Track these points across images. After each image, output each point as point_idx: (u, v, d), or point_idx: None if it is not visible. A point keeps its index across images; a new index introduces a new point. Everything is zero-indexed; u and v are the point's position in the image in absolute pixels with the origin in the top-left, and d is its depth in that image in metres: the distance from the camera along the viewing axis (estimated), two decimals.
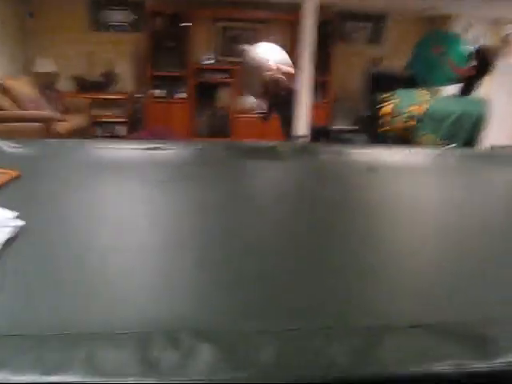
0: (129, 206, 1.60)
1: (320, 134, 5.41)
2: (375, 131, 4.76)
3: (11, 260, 1.10)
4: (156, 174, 1.96)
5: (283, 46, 4.36)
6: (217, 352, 0.74)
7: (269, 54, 4.15)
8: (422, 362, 0.74)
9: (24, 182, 1.72)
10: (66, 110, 5.76)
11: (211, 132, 6.75)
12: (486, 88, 5.30)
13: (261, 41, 4.55)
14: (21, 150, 2.10)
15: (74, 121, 5.49)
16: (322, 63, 6.51)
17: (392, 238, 1.49)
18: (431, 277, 1.16)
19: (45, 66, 6.24)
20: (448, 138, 4.43)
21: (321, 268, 1.18)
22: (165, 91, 6.58)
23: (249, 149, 2.33)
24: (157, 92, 6.54)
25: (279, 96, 4.25)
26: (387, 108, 4.57)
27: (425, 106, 4.49)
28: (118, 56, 6.61)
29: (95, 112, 6.28)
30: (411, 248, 1.37)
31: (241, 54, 4.47)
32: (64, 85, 6.48)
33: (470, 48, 5.52)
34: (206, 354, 0.74)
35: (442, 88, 5.81)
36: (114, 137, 6.41)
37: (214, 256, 1.22)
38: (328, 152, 2.37)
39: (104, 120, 6.50)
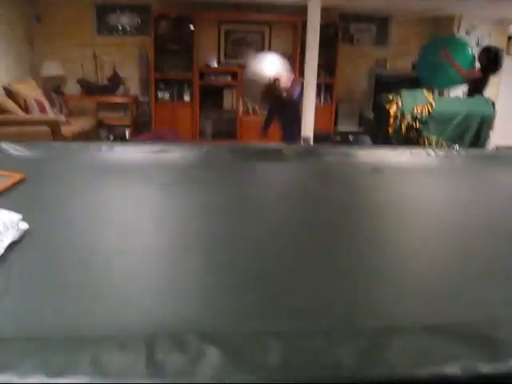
0: (134, 209, 1.60)
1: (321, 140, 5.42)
2: (380, 132, 4.74)
3: (16, 263, 1.10)
4: (161, 176, 1.96)
5: (285, 53, 4.37)
6: (223, 355, 0.74)
7: (268, 66, 4.17)
8: (428, 363, 0.74)
9: (29, 184, 1.72)
10: (72, 113, 5.79)
11: (217, 134, 6.76)
12: (492, 89, 5.29)
13: (263, 50, 4.57)
14: (26, 152, 2.10)
15: (80, 124, 5.51)
16: (327, 65, 6.52)
17: (397, 238, 1.48)
18: (437, 277, 1.15)
19: (51, 69, 6.27)
20: (453, 139, 4.41)
21: (327, 270, 1.18)
22: (170, 94, 6.60)
23: (254, 151, 2.33)
24: (162, 95, 6.56)
25: (279, 98, 4.24)
26: (392, 109, 4.55)
27: (430, 107, 4.47)
28: (124, 59, 6.64)
29: (101, 115, 6.31)
30: (416, 249, 1.36)
31: (244, 65, 4.51)
32: (70, 88, 6.51)
33: (475, 50, 5.51)
34: (212, 356, 0.73)
35: (448, 89, 5.81)
36: (120, 140, 6.42)
37: (219, 259, 1.21)
38: (333, 154, 2.36)
39: (109, 123, 6.52)
